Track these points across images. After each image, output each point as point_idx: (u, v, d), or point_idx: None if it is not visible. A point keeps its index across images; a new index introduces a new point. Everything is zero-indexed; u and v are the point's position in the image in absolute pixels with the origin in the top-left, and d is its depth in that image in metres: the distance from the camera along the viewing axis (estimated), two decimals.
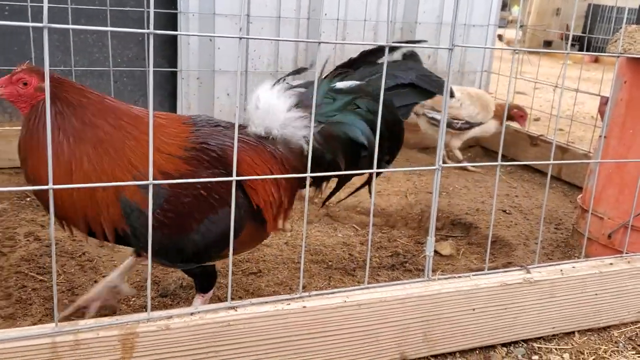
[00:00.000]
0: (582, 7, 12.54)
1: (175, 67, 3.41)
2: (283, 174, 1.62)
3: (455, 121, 3.59)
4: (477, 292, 1.64)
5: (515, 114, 3.69)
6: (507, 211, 2.95)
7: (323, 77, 1.79)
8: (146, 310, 1.35)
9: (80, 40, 3.28)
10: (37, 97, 1.43)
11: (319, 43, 1.33)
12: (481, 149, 4.13)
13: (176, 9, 3.29)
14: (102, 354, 1.29)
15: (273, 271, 2.26)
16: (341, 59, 3.74)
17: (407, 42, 1.95)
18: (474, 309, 1.65)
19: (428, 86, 1.79)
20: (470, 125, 3.62)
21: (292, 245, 2.50)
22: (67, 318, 1.61)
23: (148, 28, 1.33)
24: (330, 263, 2.38)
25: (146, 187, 1.28)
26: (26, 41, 3.14)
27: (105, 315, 1.79)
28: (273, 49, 3.57)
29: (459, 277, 1.67)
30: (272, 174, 1.59)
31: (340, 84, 1.74)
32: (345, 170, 1.74)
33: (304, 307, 1.46)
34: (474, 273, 1.69)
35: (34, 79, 1.42)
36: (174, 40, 3.40)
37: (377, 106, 1.48)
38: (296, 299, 1.48)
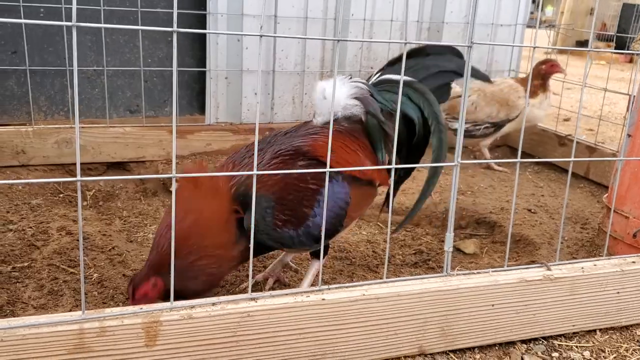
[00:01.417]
0: (616, 7, 12.32)
1: (205, 67, 3.47)
2: (352, 141, 1.85)
3: (477, 127, 3.52)
4: (496, 288, 1.65)
5: (547, 68, 3.52)
6: (533, 210, 2.93)
7: (376, 72, 2.04)
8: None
9: (112, 41, 3.37)
10: (159, 291, 1.62)
11: (338, 41, 1.35)
12: (508, 148, 4.10)
13: (205, 10, 3.35)
14: (126, 341, 1.34)
15: (297, 266, 2.29)
16: (367, 59, 3.78)
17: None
18: (493, 305, 1.66)
19: (462, 71, 1.96)
20: (496, 126, 3.56)
21: None
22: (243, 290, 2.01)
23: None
24: (353, 260, 2.40)
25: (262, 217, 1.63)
26: (60, 42, 3.24)
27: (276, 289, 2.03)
28: (300, 49, 3.60)
29: (478, 272, 1.68)
30: (344, 144, 1.83)
31: (390, 76, 1.98)
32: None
33: (323, 299, 1.49)
34: (493, 269, 1.70)
35: (146, 287, 1.62)
36: (203, 40, 3.46)
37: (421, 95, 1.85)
38: (315, 291, 1.51)
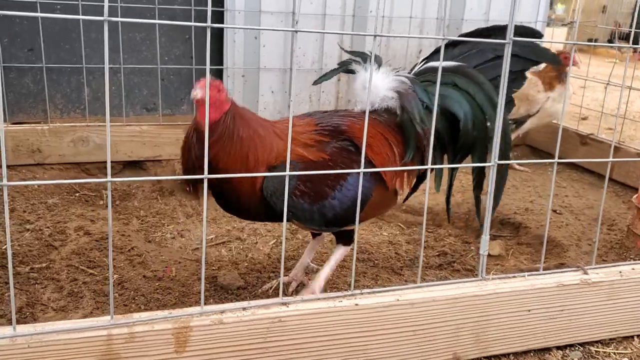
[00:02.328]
0: (630, 4, 12.18)
1: (222, 64, 3.43)
2: (389, 132, 1.82)
3: None
4: (532, 292, 1.60)
5: (566, 59, 3.38)
6: (558, 211, 2.87)
7: (422, 60, 1.96)
8: (200, 305, 1.35)
9: (128, 39, 3.33)
10: (226, 104, 1.62)
11: (375, 36, 1.31)
12: (528, 147, 4.03)
13: (223, 6, 3.30)
14: (156, 347, 1.30)
15: (318, 267, 2.24)
16: (386, 56, 3.71)
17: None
18: (529, 310, 1.61)
19: (531, 55, 1.86)
20: (517, 122, 3.48)
21: None
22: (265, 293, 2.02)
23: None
24: (376, 262, 2.35)
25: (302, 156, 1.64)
26: (77, 39, 3.20)
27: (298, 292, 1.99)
28: (318, 47, 3.55)
29: (514, 277, 1.62)
30: (382, 135, 1.80)
31: (436, 63, 1.87)
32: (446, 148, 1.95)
33: (356, 304, 1.44)
34: (529, 273, 1.64)
35: (223, 91, 1.62)
36: (220, 38, 3.41)
37: (472, 83, 1.77)
38: (348, 296, 1.46)
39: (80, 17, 0.99)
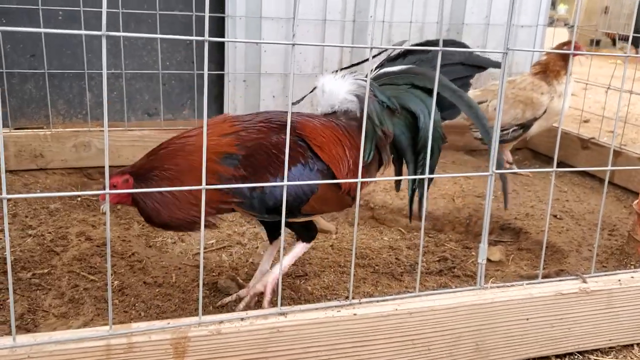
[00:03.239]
0: (631, 6, 12.15)
1: (223, 69, 3.44)
2: (346, 137, 1.82)
3: (504, 131, 3.41)
4: (531, 301, 1.60)
5: (569, 49, 3.39)
6: (558, 216, 2.87)
7: (375, 67, 1.98)
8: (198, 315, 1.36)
9: (130, 44, 3.34)
10: (129, 186, 1.69)
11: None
12: (529, 151, 4.03)
13: (224, 12, 3.31)
14: (154, 357, 1.31)
15: (319, 275, 2.25)
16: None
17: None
18: (527, 319, 1.61)
19: (478, 62, 1.97)
20: (524, 127, 3.44)
21: (338, 249, 2.49)
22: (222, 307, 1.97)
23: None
24: (376, 267, 2.35)
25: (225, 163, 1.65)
26: (78, 45, 3.22)
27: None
28: (318, 51, 3.56)
29: (512, 285, 1.63)
30: (337, 137, 1.80)
31: (391, 68, 1.94)
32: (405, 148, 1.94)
33: (355, 314, 1.45)
34: (527, 282, 1.65)
35: (119, 179, 1.69)
36: (221, 43, 3.43)
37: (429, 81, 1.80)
38: (346, 306, 1.46)
39: (82, 32, 1.00)
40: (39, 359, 1.23)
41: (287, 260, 1.90)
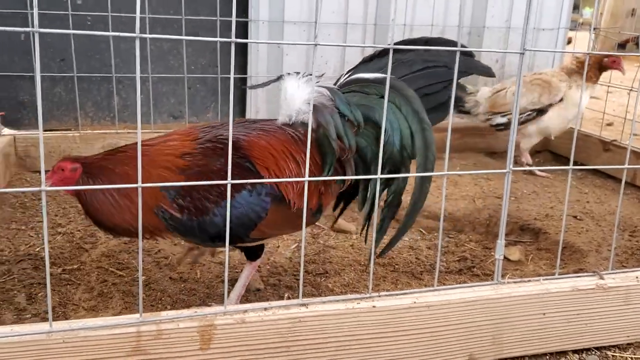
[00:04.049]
0: None
1: (246, 73, 3.51)
2: (301, 152, 1.70)
3: (525, 113, 3.41)
4: (547, 296, 1.63)
5: (609, 62, 3.37)
6: (578, 217, 2.88)
7: (347, 71, 1.86)
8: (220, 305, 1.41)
9: (156, 48, 3.43)
10: (76, 176, 1.64)
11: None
12: (550, 153, 4.03)
13: (247, 17, 3.39)
14: (181, 344, 1.37)
15: (340, 273, 2.29)
16: None
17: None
18: (544, 314, 1.64)
19: (463, 67, 1.74)
20: (537, 112, 3.40)
21: (358, 248, 2.53)
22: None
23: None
24: (397, 266, 2.39)
25: (165, 189, 1.58)
26: (106, 49, 3.32)
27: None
28: (339, 55, 3.62)
29: (529, 281, 1.66)
30: (290, 153, 1.70)
31: (363, 74, 1.80)
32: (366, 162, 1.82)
33: (374, 306, 1.49)
34: (544, 277, 1.67)
35: (68, 164, 1.63)
36: (244, 46, 3.50)
37: (399, 95, 1.68)
38: (366, 298, 1.51)
39: (115, 34, 1.06)
40: (73, 343, 1.30)
41: (241, 283, 1.86)
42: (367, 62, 1.85)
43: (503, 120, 3.41)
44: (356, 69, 1.85)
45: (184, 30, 3.30)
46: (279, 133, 1.73)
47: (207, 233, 1.63)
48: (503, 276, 1.69)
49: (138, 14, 1.12)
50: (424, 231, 2.78)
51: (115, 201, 1.60)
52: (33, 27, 1.08)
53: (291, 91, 1.72)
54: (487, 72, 1.82)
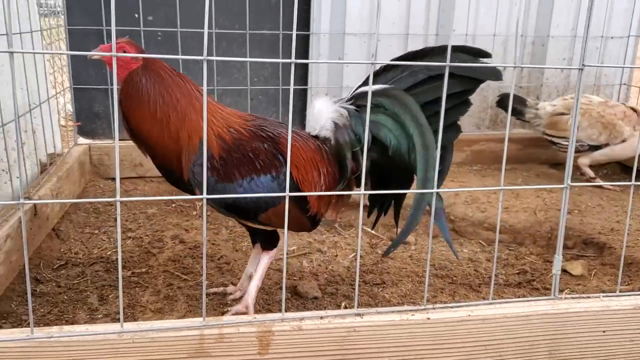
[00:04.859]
0: None
1: (306, 84, 3.59)
2: (324, 162, 1.89)
3: (578, 143, 3.43)
4: (608, 313, 1.60)
5: None
6: None
7: (358, 85, 1.96)
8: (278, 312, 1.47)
9: (222, 63, 3.56)
10: (133, 65, 1.73)
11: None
12: (618, 165, 3.91)
13: (309, 30, 3.46)
14: (241, 348, 1.43)
15: (397, 283, 2.31)
16: None
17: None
18: (604, 331, 1.61)
19: (470, 74, 1.75)
20: (592, 148, 3.43)
21: (416, 259, 2.55)
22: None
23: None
24: (455, 278, 2.39)
25: (220, 137, 1.74)
26: (175, 66, 3.46)
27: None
28: None
29: (588, 297, 1.63)
30: (315, 159, 1.88)
31: (364, 88, 1.91)
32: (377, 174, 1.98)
33: (428, 318, 1.51)
34: (604, 294, 1.65)
35: (133, 49, 1.73)
36: (305, 58, 3.58)
37: (398, 104, 1.79)
38: (420, 310, 1.53)
39: (184, 57, 1.14)
40: (141, 343, 1.38)
41: (258, 276, 1.97)
42: (376, 77, 1.87)
43: (563, 142, 3.45)
44: (365, 83, 1.94)
45: (248, 45, 3.40)
46: (310, 142, 1.91)
47: (223, 199, 1.76)
48: (562, 291, 1.67)
49: (206, 38, 1.19)
50: (483, 243, 2.77)
51: (156, 109, 1.71)
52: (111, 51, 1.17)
53: (320, 106, 1.92)
54: (496, 76, 1.76)
